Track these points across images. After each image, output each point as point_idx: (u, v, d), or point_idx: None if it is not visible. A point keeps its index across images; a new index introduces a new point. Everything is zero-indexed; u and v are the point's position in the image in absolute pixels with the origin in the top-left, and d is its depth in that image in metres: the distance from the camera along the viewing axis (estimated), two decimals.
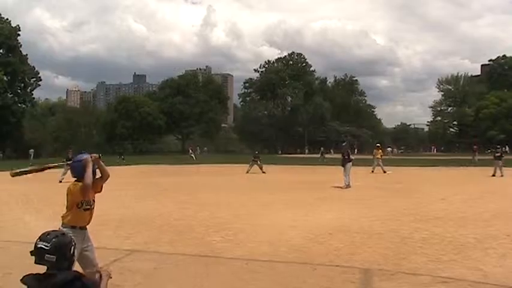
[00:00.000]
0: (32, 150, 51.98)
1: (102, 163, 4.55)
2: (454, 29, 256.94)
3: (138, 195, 15.23)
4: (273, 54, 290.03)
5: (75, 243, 2.59)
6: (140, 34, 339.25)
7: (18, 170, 4.00)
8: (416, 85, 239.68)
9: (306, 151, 78.81)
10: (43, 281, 2.36)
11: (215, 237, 8.25)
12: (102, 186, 4.59)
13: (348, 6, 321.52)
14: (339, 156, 20.38)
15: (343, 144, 19.48)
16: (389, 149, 62.33)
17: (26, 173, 4.15)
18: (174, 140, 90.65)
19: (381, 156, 27.72)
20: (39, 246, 2.43)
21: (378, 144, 30.26)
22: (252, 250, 7.24)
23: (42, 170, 4.40)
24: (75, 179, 4.38)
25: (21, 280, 2.36)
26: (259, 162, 27.53)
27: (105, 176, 4.57)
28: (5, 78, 55.82)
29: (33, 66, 64.39)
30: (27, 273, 2.45)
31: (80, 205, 4.30)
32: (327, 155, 49.25)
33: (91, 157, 4.37)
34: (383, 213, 10.87)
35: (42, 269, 2.46)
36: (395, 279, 5.66)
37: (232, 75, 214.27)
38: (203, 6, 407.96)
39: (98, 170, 4.49)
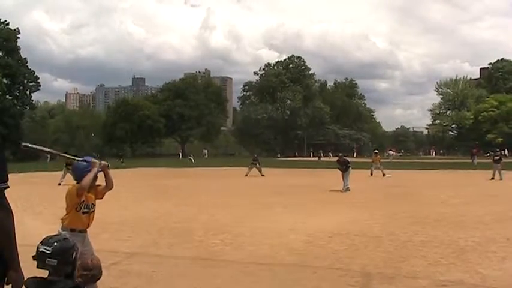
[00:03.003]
0: None
1: (109, 172, 4.55)
2: (454, 32, 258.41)
3: (137, 198, 15.20)
4: (272, 57, 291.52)
5: (77, 248, 2.59)
6: (139, 37, 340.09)
7: (30, 145, 3.97)
8: (416, 88, 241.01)
9: (311, 154, 78.63)
10: (44, 287, 2.35)
11: (214, 240, 8.25)
12: (104, 194, 4.60)
13: (348, 9, 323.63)
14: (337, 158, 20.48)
15: (340, 154, 20.13)
16: (390, 152, 62.50)
17: (37, 149, 4.12)
18: (174, 143, 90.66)
19: (379, 162, 27.97)
20: (40, 250, 2.43)
21: (376, 151, 30.50)
22: (252, 253, 7.23)
23: (54, 154, 4.40)
24: (76, 181, 4.38)
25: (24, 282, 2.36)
26: (258, 165, 27.54)
27: (109, 186, 4.58)
28: (4, 81, 55.78)
29: (33, 70, 64.32)
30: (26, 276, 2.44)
31: (79, 208, 4.30)
32: (325, 158, 51.42)
33: (100, 164, 4.38)
34: (382, 217, 10.87)
35: (43, 273, 2.46)
36: (394, 282, 5.66)
37: (231, 78, 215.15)
38: (202, 8, 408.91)
39: (100, 176, 4.49)
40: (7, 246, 2.25)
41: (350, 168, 18.26)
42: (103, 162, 4.47)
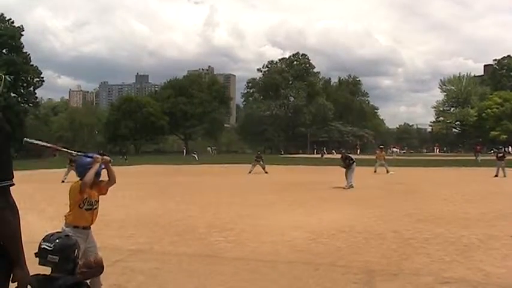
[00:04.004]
0: None
1: (111, 167, 4.55)
2: (457, 28, 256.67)
3: (140, 195, 15.24)
4: (275, 54, 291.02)
5: (79, 246, 2.60)
6: (142, 34, 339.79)
7: (32, 140, 3.95)
8: (419, 85, 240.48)
9: (315, 151, 78.18)
10: (46, 283, 2.37)
11: (217, 237, 8.26)
12: (107, 190, 4.61)
13: (351, 6, 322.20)
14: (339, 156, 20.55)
15: (343, 151, 20.37)
16: (394, 149, 62.47)
17: (39, 145, 4.10)
18: (177, 140, 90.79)
19: (384, 158, 28.04)
20: (42, 247, 2.44)
21: (382, 147, 30.58)
22: (254, 250, 7.24)
23: (56, 149, 4.40)
24: (79, 178, 4.40)
25: None
26: (261, 163, 27.54)
27: (112, 180, 4.58)
28: (8, 78, 55.88)
29: (36, 66, 64.50)
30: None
31: (82, 205, 4.32)
32: (329, 155, 52.15)
33: (102, 158, 4.38)
34: (385, 214, 10.86)
35: (46, 269, 2.47)
36: (397, 279, 5.65)
37: (234, 75, 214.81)
38: (205, 5, 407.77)
39: (103, 173, 4.50)
40: (13, 244, 2.26)
41: (354, 164, 18.21)
42: (105, 157, 4.47)
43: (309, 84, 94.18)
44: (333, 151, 62.62)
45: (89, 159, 4.39)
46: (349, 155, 20.42)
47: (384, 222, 9.74)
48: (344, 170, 18.17)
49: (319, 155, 55.32)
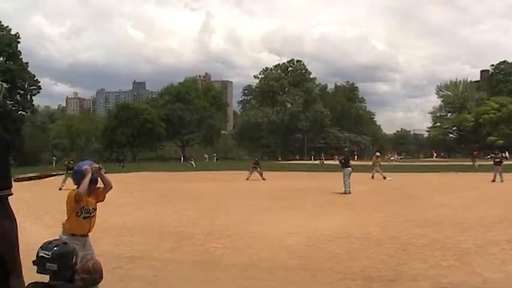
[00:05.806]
0: (54, 157, 52.74)
1: (103, 174, 4.55)
2: (454, 34, 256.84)
3: (138, 202, 15.21)
4: (272, 60, 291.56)
5: (77, 253, 2.59)
6: (139, 41, 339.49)
7: (21, 176, 3.98)
8: (416, 91, 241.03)
9: (312, 158, 77.87)
10: None
11: (215, 244, 8.25)
12: (104, 196, 4.60)
13: (348, 11, 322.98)
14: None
15: (345, 149, 20.27)
16: (391, 158, 62.55)
17: (29, 179, 4.14)
18: (174, 147, 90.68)
19: (380, 164, 27.97)
20: (40, 255, 2.44)
21: (378, 154, 30.58)
22: (252, 257, 7.23)
23: (45, 177, 4.43)
24: (76, 186, 4.40)
25: None
26: (259, 169, 27.52)
27: (107, 187, 4.57)
28: (5, 85, 55.91)
29: (33, 74, 64.48)
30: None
31: (79, 213, 4.31)
32: (327, 161, 52.28)
33: (92, 168, 4.38)
34: (383, 219, 10.86)
35: (44, 278, 2.47)
36: (395, 285, 5.66)
37: (231, 82, 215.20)
38: (202, 12, 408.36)
39: (100, 179, 4.50)
40: (10, 253, 2.25)
41: (349, 169, 18.11)
42: (95, 165, 4.46)
43: (305, 91, 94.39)
44: (335, 156, 62.77)
45: (84, 167, 4.39)
46: (348, 156, 20.46)
47: (382, 227, 9.74)
48: (342, 175, 18.13)
49: (318, 162, 55.31)
